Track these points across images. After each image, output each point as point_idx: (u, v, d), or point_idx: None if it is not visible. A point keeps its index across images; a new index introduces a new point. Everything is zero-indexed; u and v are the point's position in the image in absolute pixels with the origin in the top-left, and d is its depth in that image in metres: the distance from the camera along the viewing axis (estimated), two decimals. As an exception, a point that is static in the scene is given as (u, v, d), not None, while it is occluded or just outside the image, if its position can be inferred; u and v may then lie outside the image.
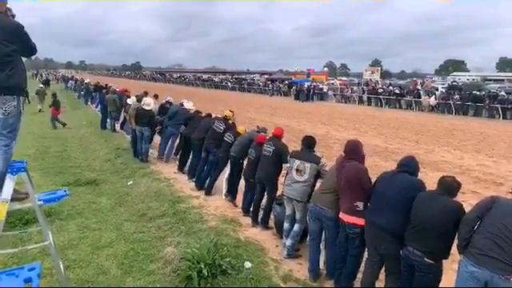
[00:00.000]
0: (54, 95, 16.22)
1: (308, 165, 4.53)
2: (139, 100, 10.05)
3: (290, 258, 4.63)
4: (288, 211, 4.79)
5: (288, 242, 4.68)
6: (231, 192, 6.54)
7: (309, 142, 4.77)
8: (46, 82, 31.82)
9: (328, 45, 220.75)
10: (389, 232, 3.35)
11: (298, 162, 4.62)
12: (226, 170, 6.74)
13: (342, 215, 3.85)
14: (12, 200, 2.73)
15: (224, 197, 6.66)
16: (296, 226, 4.66)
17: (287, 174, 4.83)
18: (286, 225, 4.83)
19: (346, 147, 4.00)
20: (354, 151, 3.92)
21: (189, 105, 9.35)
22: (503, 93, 23.62)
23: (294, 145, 5.54)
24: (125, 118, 12.37)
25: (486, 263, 2.69)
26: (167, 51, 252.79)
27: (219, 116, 7.80)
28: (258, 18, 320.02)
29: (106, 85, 18.63)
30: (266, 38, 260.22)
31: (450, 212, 3.05)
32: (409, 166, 3.53)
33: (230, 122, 7.47)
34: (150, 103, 9.37)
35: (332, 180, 4.09)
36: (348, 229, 3.76)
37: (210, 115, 8.39)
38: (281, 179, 5.41)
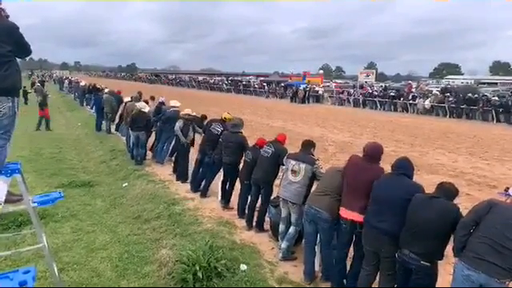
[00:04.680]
0: None
1: (303, 165, 4.54)
2: (132, 100, 10.03)
3: (285, 260, 4.63)
4: (283, 213, 4.79)
5: (283, 244, 4.68)
6: (225, 198, 6.49)
7: (307, 145, 4.80)
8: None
9: (324, 47, 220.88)
10: (390, 235, 3.35)
11: (293, 162, 4.64)
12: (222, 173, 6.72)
13: (344, 212, 3.80)
14: (6, 202, 2.69)
15: (219, 202, 6.62)
16: (291, 229, 4.66)
17: (283, 175, 4.84)
18: (281, 227, 4.83)
19: (368, 149, 3.87)
20: (376, 156, 3.82)
21: (174, 102, 9.40)
22: (496, 98, 23.79)
23: (292, 148, 5.54)
24: (120, 119, 12.32)
25: (482, 267, 2.71)
26: (164, 53, 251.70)
27: (216, 118, 7.78)
28: (256, 20, 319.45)
29: (100, 85, 18.56)
30: (264, 41, 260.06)
31: (449, 214, 3.06)
32: (406, 169, 3.53)
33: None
34: (145, 105, 9.35)
35: (328, 182, 4.10)
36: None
37: (205, 117, 8.38)
38: (276, 182, 5.40)
